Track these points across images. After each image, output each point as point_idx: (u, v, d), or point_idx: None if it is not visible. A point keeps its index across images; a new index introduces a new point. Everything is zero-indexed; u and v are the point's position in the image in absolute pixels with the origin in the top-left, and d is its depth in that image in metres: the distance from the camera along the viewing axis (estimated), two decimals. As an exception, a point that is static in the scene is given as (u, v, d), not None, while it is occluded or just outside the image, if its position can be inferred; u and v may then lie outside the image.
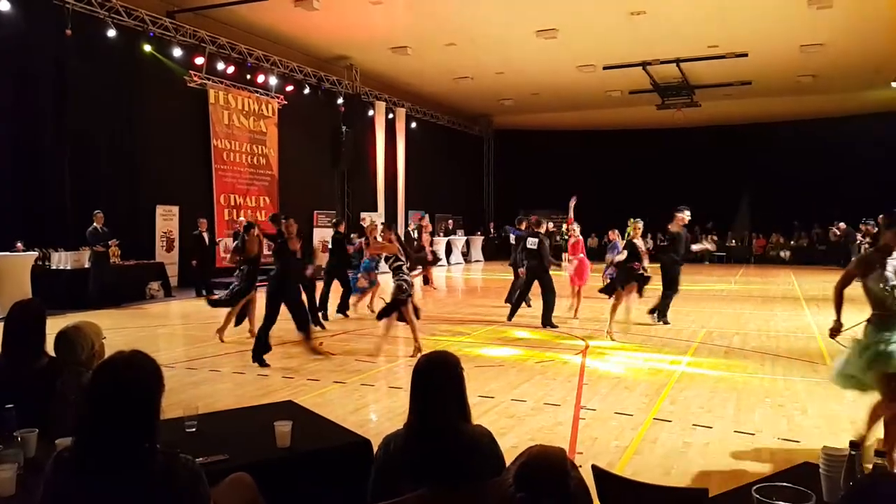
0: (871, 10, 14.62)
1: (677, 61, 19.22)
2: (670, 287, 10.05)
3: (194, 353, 8.13)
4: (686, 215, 9.99)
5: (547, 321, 10.06)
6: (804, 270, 21.27)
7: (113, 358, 2.03)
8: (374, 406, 5.82)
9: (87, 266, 12.01)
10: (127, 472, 1.89)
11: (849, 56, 18.19)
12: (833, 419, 5.31)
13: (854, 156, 23.17)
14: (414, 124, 24.27)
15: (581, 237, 11.65)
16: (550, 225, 11.40)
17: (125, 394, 1.93)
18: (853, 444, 2.07)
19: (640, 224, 9.52)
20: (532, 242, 10.34)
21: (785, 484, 2.04)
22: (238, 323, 9.19)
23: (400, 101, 23.24)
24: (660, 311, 10.27)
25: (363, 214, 20.63)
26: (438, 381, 2.36)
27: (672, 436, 4.89)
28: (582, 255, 11.43)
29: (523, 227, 11.80)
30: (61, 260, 11.97)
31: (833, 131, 23.71)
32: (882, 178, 21.52)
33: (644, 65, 19.61)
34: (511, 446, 4.19)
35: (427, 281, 14.12)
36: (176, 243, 15.25)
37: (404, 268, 7.85)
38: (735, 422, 5.23)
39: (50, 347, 3.18)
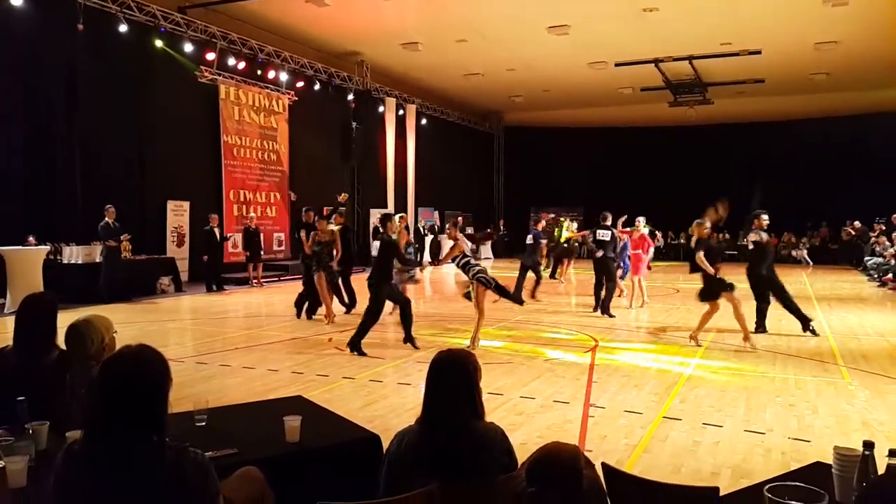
0: (886, 7, 14.46)
1: (690, 58, 19.09)
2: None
3: (204, 347, 8.16)
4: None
5: (605, 309, 10.69)
6: (816, 269, 21.09)
7: (120, 352, 2.03)
8: (383, 402, 5.82)
9: (98, 260, 12.07)
10: (136, 466, 1.89)
11: (863, 54, 18.03)
12: (844, 419, 5.27)
13: (868, 154, 22.99)
14: (424, 121, 24.25)
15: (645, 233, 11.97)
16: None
17: (133, 388, 1.93)
18: (867, 444, 2.04)
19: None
20: (603, 234, 10.78)
21: (797, 483, 2.02)
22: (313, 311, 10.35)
23: (410, 98, 23.23)
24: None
25: (373, 211, 20.68)
26: (452, 377, 2.37)
27: (682, 434, 4.87)
28: (639, 250, 11.69)
29: (540, 226, 11.90)
30: (73, 254, 12.04)
31: (847, 129, 23.51)
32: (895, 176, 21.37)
33: (656, 62, 19.49)
34: (520, 443, 4.18)
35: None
36: (187, 238, 15.32)
37: (472, 261, 7.94)
38: (745, 421, 5.20)
39: (61, 341, 3.19)
